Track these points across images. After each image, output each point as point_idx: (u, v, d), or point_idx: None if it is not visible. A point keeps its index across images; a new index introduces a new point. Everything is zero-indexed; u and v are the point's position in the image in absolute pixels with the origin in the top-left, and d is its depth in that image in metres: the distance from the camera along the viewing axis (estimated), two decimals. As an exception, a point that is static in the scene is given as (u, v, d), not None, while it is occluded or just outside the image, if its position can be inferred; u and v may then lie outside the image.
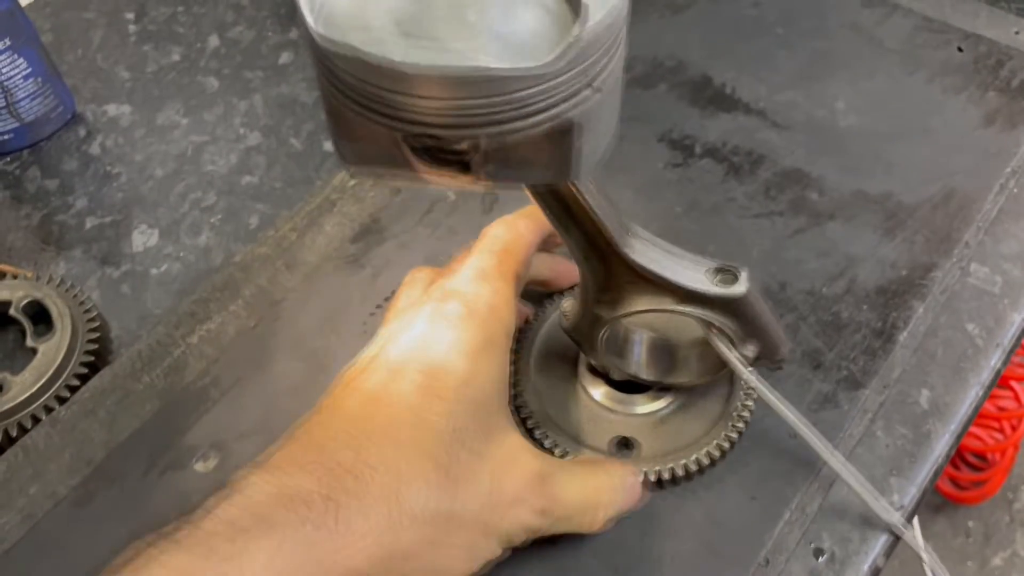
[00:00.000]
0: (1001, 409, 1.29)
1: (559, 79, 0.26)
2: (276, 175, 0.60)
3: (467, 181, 0.30)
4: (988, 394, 0.49)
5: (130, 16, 0.72)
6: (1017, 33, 0.62)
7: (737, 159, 0.55)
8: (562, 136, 0.28)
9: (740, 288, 0.37)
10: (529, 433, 0.43)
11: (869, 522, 0.42)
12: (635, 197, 0.54)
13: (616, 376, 0.44)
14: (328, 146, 0.61)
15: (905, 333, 0.48)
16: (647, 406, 0.45)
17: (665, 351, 0.44)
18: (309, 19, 0.27)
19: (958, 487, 1.33)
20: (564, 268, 0.46)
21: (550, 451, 0.43)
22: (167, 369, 0.49)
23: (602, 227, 0.35)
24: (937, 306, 0.50)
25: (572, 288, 0.47)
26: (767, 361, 0.41)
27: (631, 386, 0.45)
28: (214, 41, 0.69)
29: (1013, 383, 1.26)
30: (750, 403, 0.44)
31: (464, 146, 0.28)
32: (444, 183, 0.30)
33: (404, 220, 0.54)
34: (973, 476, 1.32)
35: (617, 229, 0.36)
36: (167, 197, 0.60)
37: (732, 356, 0.39)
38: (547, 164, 0.29)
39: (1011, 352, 0.50)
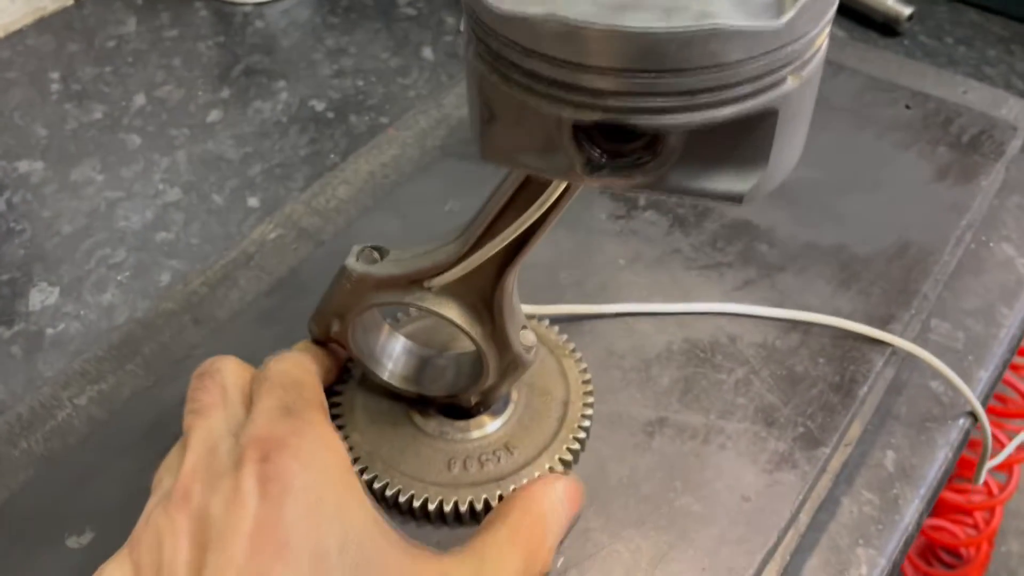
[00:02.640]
0: (971, 501, 1.25)
1: (781, 50, 0.23)
2: (194, 231, 0.56)
3: (629, 184, 0.25)
4: (958, 457, 0.45)
5: (54, 75, 0.69)
6: (965, 92, 0.61)
7: (683, 211, 0.53)
8: (764, 126, 0.24)
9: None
10: (409, 506, 0.38)
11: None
12: (576, 249, 0.51)
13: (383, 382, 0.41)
14: (252, 202, 0.58)
15: (865, 388, 0.44)
16: (483, 428, 0.41)
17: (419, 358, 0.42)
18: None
19: (932, 586, 1.27)
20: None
21: (395, 496, 0.38)
22: (48, 433, 0.44)
23: None
24: (898, 361, 0.46)
25: None
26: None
27: (462, 412, 0.41)
28: (140, 100, 0.66)
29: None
30: (589, 412, 0.41)
31: (634, 141, 0.24)
32: (603, 184, 0.26)
33: (326, 273, 0.50)
34: (947, 574, 1.26)
35: None
36: (72, 254, 0.55)
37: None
38: (741, 166, 0.25)
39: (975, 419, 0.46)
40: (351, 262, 0.37)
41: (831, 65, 0.62)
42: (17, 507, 0.41)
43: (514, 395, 0.42)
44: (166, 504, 0.31)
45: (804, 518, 0.40)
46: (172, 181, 0.60)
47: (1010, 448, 0.66)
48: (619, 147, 0.25)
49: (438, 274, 0.35)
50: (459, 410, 0.41)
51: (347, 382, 0.43)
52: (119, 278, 0.54)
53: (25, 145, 0.63)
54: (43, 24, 0.73)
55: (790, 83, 0.24)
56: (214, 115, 0.65)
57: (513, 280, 0.35)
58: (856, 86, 0.61)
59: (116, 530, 0.40)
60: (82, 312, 0.52)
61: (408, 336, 0.42)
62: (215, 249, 0.55)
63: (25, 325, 0.51)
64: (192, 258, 0.54)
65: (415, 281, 0.36)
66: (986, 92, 0.61)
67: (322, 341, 0.40)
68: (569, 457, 0.40)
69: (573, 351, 0.44)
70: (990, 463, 0.58)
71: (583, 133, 0.25)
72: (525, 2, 0.24)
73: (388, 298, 0.37)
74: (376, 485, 0.39)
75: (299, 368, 0.37)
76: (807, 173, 0.55)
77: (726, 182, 0.25)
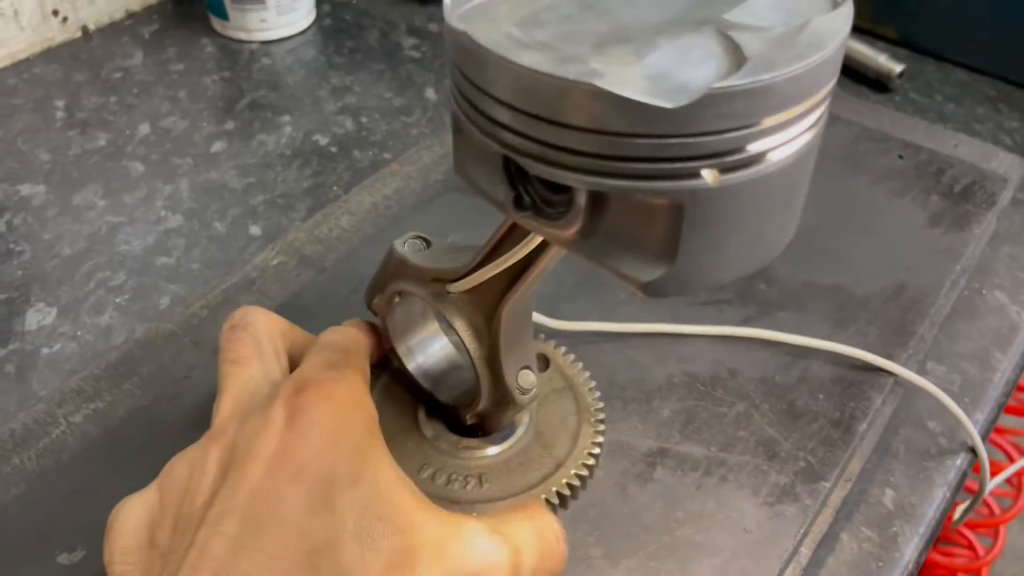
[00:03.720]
0: (954, 564, 1.24)
1: (678, 139, 0.22)
2: (194, 257, 0.56)
3: (550, 234, 0.26)
4: (955, 497, 0.45)
5: (59, 104, 0.69)
6: (956, 146, 0.63)
7: (682, 249, 0.53)
8: (668, 216, 0.23)
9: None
10: None
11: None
12: (577, 282, 0.51)
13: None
14: (254, 230, 0.58)
15: (864, 424, 0.44)
16: (471, 451, 0.41)
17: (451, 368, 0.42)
18: (448, 4, 0.25)
19: (918, 648, 1.25)
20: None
21: None
22: (42, 450, 0.43)
23: None
24: (896, 399, 0.47)
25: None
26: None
27: (461, 427, 0.41)
28: (144, 129, 0.67)
29: (966, 531, 1.22)
30: (576, 483, 0.39)
31: (559, 198, 0.25)
32: (529, 226, 0.27)
33: (327, 299, 0.50)
34: (932, 637, 1.24)
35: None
36: (72, 276, 0.55)
37: None
38: (648, 255, 0.24)
39: (973, 459, 0.47)
40: (398, 244, 0.38)
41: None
42: (8, 523, 0.40)
43: (519, 433, 0.41)
44: (203, 441, 0.33)
45: (805, 551, 0.40)
46: (174, 208, 0.60)
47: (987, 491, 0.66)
48: (549, 195, 0.26)
49: (452, 280, 0.36)
50: (460, 424, 0.41)
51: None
52: (118, 300, 0.53)
53: (28, 169, 0.63)
54: (51, 54, 0.74)
55: (705, 179, 0.23)
56: (218, 146, 0.65)
57: (511, 312, 0.35)
58: (850, 136, 0.62)
59: (108, 548, 0.39)
60: (79, 333, 0.51)
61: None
62: (215, 275, 0.55)
63: (20, 344, 0.51)
64: (192, 283, 0.54)
65: (437, 280, 0.37)
66: (976, 146, 0.63)
67: (372, 311, 0.41)
68: (556, 497, 0.39)
69: (600, 411, 0.42)
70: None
71: (518, 172, 0.25)
72: (486, 20, 0.24)
73: (413, 288, 0.38)
74: None
75: (349, 339, 0.37)
76: (805, 215, 0.56)
77: (631, 266, 0.25)
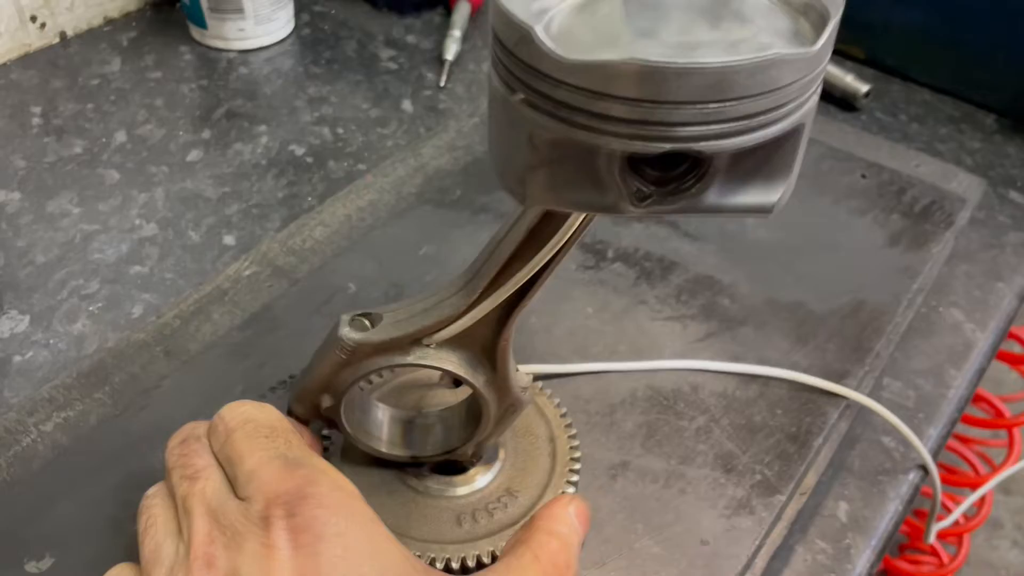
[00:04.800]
0: (921, 571, 1.26)
1: (813, 72, 0.25)
2: (168, 266, 0.57)
3: (670, 210, 0.27)
4: (908, 511, 0.47)
5: (36, 110, 0.69)
6: (917, 166, 0.64)
7: (649, 264, 0.54)
8: (792, 140, 0.26)
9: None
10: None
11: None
12: (545, 296, 0.52)
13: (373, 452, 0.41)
14: (228, 240, 0.59)
15: (820, 439, 0.45)
16: (483, 479, 0.42)
17: (408, 424, 0.42)
18: (546, 43, 0.25)
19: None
20: None
21: (468, 567, 0.39)
22: (12, 458, 0.44)
23: None
24: (851, 415, 0.48)
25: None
26: None
27: (456, 468, 0.42)
28: (121, 137, 0.67)
29: (933, 541, 1.24)
30: (576, 443, 0.42)
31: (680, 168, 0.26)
32: (648, 212, 0.27)
33: (299, 310, 0.51)
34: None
35: None
36: (45, 283, 0.55)
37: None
38: (770, 180, 0.27)
39: (925, 473, 0.48)
40: (345, 332, 0.36)
41: (792, 134, 0.65)
42: (-24, 530, 0.40)
43: (500, 440, 0.43)
44: (189, 563, 0.30)
45: (760, 563, 0.41)
46: (149, 216, 0.60)
47: (957, 514, 0.68)
48: (664, 175, 0.27)
49: (441, 329, 0.35)
50: (453, 466, 0.41)
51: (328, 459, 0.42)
52: (91, 309, 0.54)
53: (2, 176, 0.63)
54: (28, 60, 0.74)
55: (813, 100, 0.26)
56: (194, 155, 0.66)
57: (515, 327, 0.36)
58: (815, 154, 0.64)
59: (75, 556, 0.40)
60: (51, 341, 0.52)
61: (380, 401, 0.42)
62: (189, 284, 0.55)
63: (-8, 351, 0.51)
64: (165, 292, 0.55)
65: (416, 340, 0.36)
66: (937, 166, 0.65)
67: (304, 421, 0.39)
68: (572, 487, 0.41)
69: (542, 389, 0.45)
70: (938, 524, 0.59)
71: (631, 167, 0.26)
72: (587, 49, 0.25)
73: (386, 362, 0.36)
74: None
75: (263, 412, 0.35)
76: (768, 233, 0.58)
77: (757, 196, 0.27)
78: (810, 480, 0.45)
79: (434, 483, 0.41)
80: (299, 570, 0.29)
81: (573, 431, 0.43)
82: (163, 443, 0.40)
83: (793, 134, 0.26)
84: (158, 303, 0.54)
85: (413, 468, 0.42)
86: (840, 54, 0.79)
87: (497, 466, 0.42)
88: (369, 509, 0.32)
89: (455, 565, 0.39)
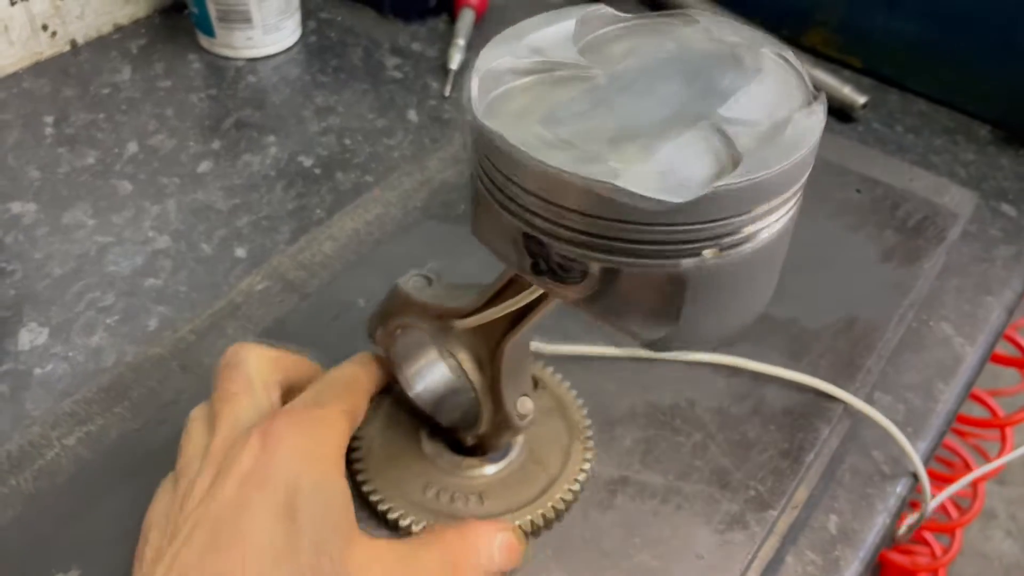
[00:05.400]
0: (915, 563, 1.28)
1: (684, 227, 0.26)
2: (181, 279, 0.58)
3: (564, 296, 0.29)
4: (896, 520, 0.49)
5: (49, 120, 0.71)
6: (911, 180, 0.66)
7: (648, 280, 0.56)
8: (673, 290, 0.27)
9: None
10: (372, 507, 0.42)
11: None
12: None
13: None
14: (239, 252, 0.60)
15: (812, 455, 0.47)
16: (472, 469, 0.44)
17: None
18: (475, 98, 0.28)
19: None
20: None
21: (396, 521, 0.42)
22: (37, 472, 0.46)
23: None
24: (843, 430, 0.50)
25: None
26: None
27: (462, 447, 0.45)
28: (133, 147, 0.69)
29: (926, 534, 1.27)
30: (569, 497, 0.43)
31: (575, 265, 0.28)
32: (544, 287, 0.30)
33: (311, 324, 0.53)
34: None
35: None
36: (63, 296, 0.57)
37: None
38: (653, 317, 0.28)
39: (916, 479, 0.50)
40: (402, 281, 0.41)
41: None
42: (4, 544, 0.42)
43: (515, 453, 0.45)
44: (200, 465, 0.37)
45: (753, 575, 0.43)
46: (162, 229, 0.62)
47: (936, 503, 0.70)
48: (564, 263, 0.29)
49: (457, 317, 0.39)
50: (460, 445, 0.44)
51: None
52: (108, 321, 0.56)
53: (18, 187, 0.65)
54: (39, 68, 0.76)
55: (706, 257, 0.27)
56: (204, 166, 0.67)
57: (513, 347, 0.38)
58: (812, 169, 0.65)
59: (101, 567, 0.42)
60: (70, 354, 0.54)
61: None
62: (202, 297, 0.57)
63: (14, 364, 0.53)
64: (179, 305, 0.57)
65: (442, 317, 0.39)
66: (930, 180, 0.66)
67: (374, 341, 0.44)
68: (528, 528, 0.42)
69: (588, 427, 0.46)
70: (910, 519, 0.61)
71: (537, 244, 0.29)
72: (509, 115, 0.28)
73: (417, 323, 0.40)
74: (358, 477, 0.43)
75: (348, 377, 0.41)
76: (765, 249, 0.59)
77: (638, 325, 0.29)
78: (801, 494, 0.47)
79: (435, 448, 0.45)
80: (256, 462, 0.35)
81: (576, 487, 0.44)
82: (182, 459, 0.43)
83: (673, 281, 0.27)
84: (173, 316, 0.56)
85: (431, 426, 0.45)
86: (839, 63, 0.80)
87: (493, 468, 0.44)
88: (339, 457, 0.37)
89: (391, 517, 0.42)
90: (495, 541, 0.38)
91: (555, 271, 0.29)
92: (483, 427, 0.42)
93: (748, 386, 0.51)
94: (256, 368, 0.40)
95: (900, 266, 0.58)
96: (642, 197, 0.25)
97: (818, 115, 0.28)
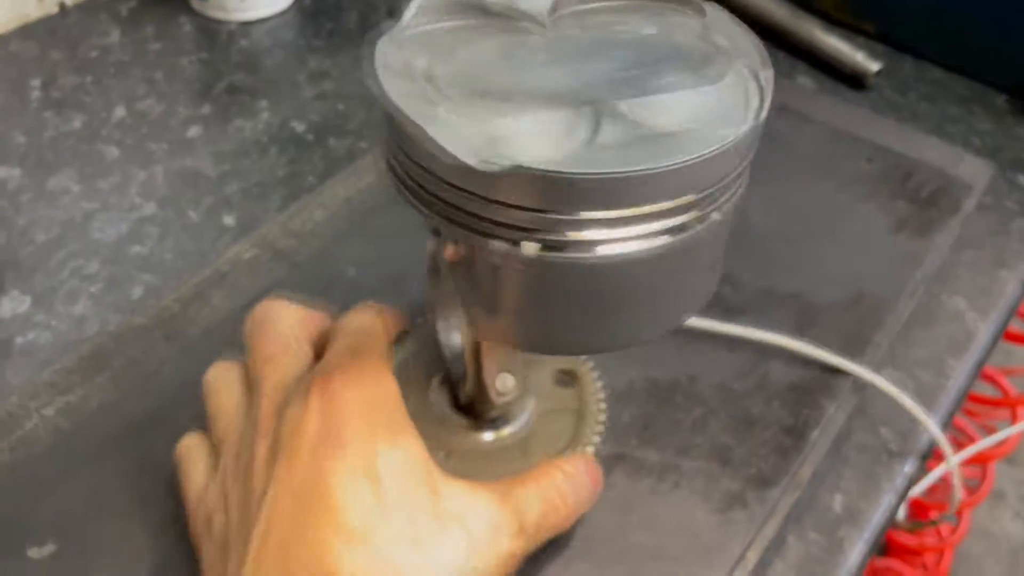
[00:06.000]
0: (922, 544, 1.27)
1: (493, 202, 0.25)
2: (168, 247, 0.57)
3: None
4: (902, 500, 0.47)
5: (35, 83, 0.69)
6: (925, 149, 0.63)
7: (649, 251, 0.54)
8: (494, 279, 0.27)
9: None
10: None
11: None
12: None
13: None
14: (228, 220, 0.58)
15: (817, 432, 0.46)
16: (462, 431, 0.43)
17: None
18: (399, 25, 0.27)
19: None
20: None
21: None
22: (15, 443, 0.44)
23: None
24: (849, 407, 0.48)
25: None
26: None
27: (460, 406, 0.43)
28: (120, 112, 0.67)
29: (933, 513, 1.25)
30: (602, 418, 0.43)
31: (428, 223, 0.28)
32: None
33: (302, 295, 0.51)
34: (895, 614, 1.28)
35: None
36: (46, 263, 0.55)
37: None
38: (479, 298, 0.27)
39: (924, 458, 0.48)
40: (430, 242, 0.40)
41: (798, 115, 0.65)
42: (-22, 516, 0.41)
43: (511, 429, 0.43)
44: (249, 439, 0.36)
45: (752, 556, 0.42)
46: (148, 195, 0.60)
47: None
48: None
49: None
50: (458, 403, 0.43)
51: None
52: (91, 290, 0.54)
53: (3, 151, 0.63)
54: (27, 31, 0.74)
55: (524, 249, 0.25)
56: (194, 131, 0.65)
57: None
58: (822, 138, 0.63)
59: (77, 541, 0.40)
60: (53, 322, 0.52)
61: None
62: (188, 265, 0.55)
63: (-6, 333, 0.51)
64: (165, 273, 0.55)
65: None
66: (944, 150, 0.64)
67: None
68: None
69: (602, 422, 0.44)
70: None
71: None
72: (413, 47, 0.27)
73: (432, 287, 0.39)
74: None
75: (366, 323, 0.40)
76: (770, 221, 0.57)
77: (485, 318, 0.29)
78: (805, 472, 0.45)
79: (439, 398, 0.43)
80: (324, 428, 0.33)
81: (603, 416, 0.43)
82: (164, 430, 0.42)
83: (489, 268, 0.27)
84: (158, 285, 0.54)
85: (447, 378, 0.43)
86: (852, 28, 0.77)
87: (484, 436, 0.43)
88: (400, 403, 0.36)
89: None
90: (580, 472, 0.38)
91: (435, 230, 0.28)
92: (468, 385, 0.40)
93: (752, 362, 0.49)
94: (289, 326, 0.40)
95: (912, 238, 0.56)
96: (444, 150, 0.23)
97: (745, 130, 0.25)
